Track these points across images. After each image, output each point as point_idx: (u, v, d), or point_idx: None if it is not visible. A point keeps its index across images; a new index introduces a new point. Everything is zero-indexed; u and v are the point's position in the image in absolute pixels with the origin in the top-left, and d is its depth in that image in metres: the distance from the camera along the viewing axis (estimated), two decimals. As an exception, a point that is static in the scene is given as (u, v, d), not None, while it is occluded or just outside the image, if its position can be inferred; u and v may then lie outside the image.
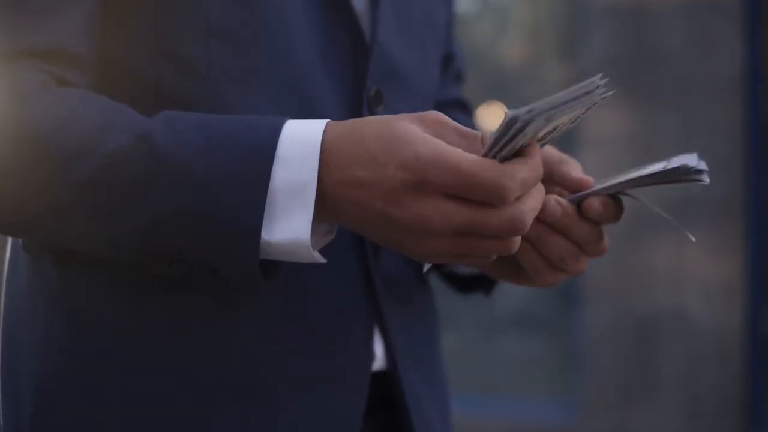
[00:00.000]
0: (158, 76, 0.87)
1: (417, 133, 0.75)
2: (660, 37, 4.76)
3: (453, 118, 1.17)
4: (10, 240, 0.97)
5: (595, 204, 0.87)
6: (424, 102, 1.03)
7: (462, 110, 1.21)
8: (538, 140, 0.77)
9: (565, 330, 5.11)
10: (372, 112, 0.94)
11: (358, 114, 0.93)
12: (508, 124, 0.71)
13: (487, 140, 0.76)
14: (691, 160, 0.84)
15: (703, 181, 0.83)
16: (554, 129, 0.78)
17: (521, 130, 0.71)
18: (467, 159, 0.73)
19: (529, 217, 0.75)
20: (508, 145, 0.73)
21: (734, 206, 4.62)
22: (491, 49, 5.51)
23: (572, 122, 0.80)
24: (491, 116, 5.25)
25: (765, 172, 4.69)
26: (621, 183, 0.86)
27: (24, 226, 0.83)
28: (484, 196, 0.73)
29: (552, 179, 0.92)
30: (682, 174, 0.83)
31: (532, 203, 0.76)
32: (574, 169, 0.91)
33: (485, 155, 0.74)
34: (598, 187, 0.89)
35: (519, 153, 0.75)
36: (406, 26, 0.99)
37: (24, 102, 0.81)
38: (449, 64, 1.18)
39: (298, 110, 0.89)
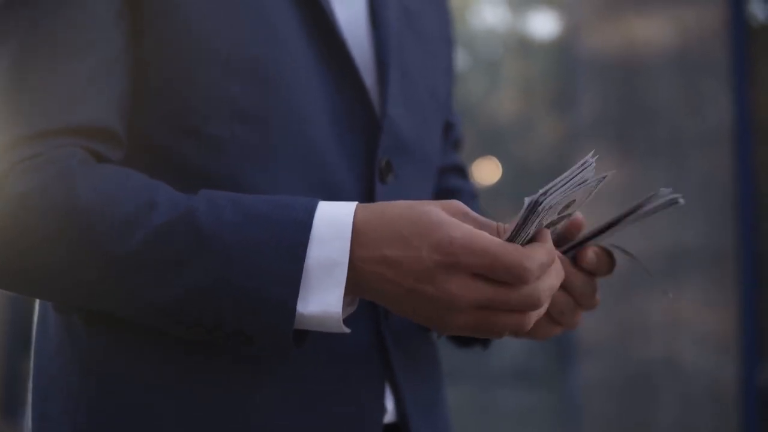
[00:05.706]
0: (183, 152, 0.92)
1: (447, 217, 0.81)
2: (650, 93, 4.83)
3: (452, 184, 1.24)
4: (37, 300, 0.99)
5: (588, 254, 0.94)
6: (428, 169, 1.09)
7: (461, 176, 1.28)
8: (547, 225, 0.84)
9: (561, 383, 5.13)
10: (383, 181, 0.99)
11: (369, 183, 0.98)
12: (528, 209, 0.78)
13: (502, 230, 0.83)
14: (662, 194, 0.90)
15: (679, 202, 0.89)
16: (561, 216, 0.85)
17: (536, 210, 0.78)
18: (494, 242, 0.79)
19: (546, 296, 0.81)
20: (527, 229, 0.80)
21: (727, 259, 4.66)
22: (483, 105, 5.59)
23: (572, 207, 0.86)
24: (484, 172, 5.31)
25: (757, 225, 4.74)
26: (603, 228, 0.92)
27: (64, 295, 0.86)
28: (508, 277, 0.79)
29: None
30: (662, 207, 0.90)
31: (550, 282, 0.82)
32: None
33: (508, 239, 0.81)
34: (586, 234, 0.95)
35: (532, 239, 0.82)
36: (411, 99, 1.05)
37: (69, 177, 0.84)
38: (449, 132, 1.25)
39: (313, 182, 0.95)
